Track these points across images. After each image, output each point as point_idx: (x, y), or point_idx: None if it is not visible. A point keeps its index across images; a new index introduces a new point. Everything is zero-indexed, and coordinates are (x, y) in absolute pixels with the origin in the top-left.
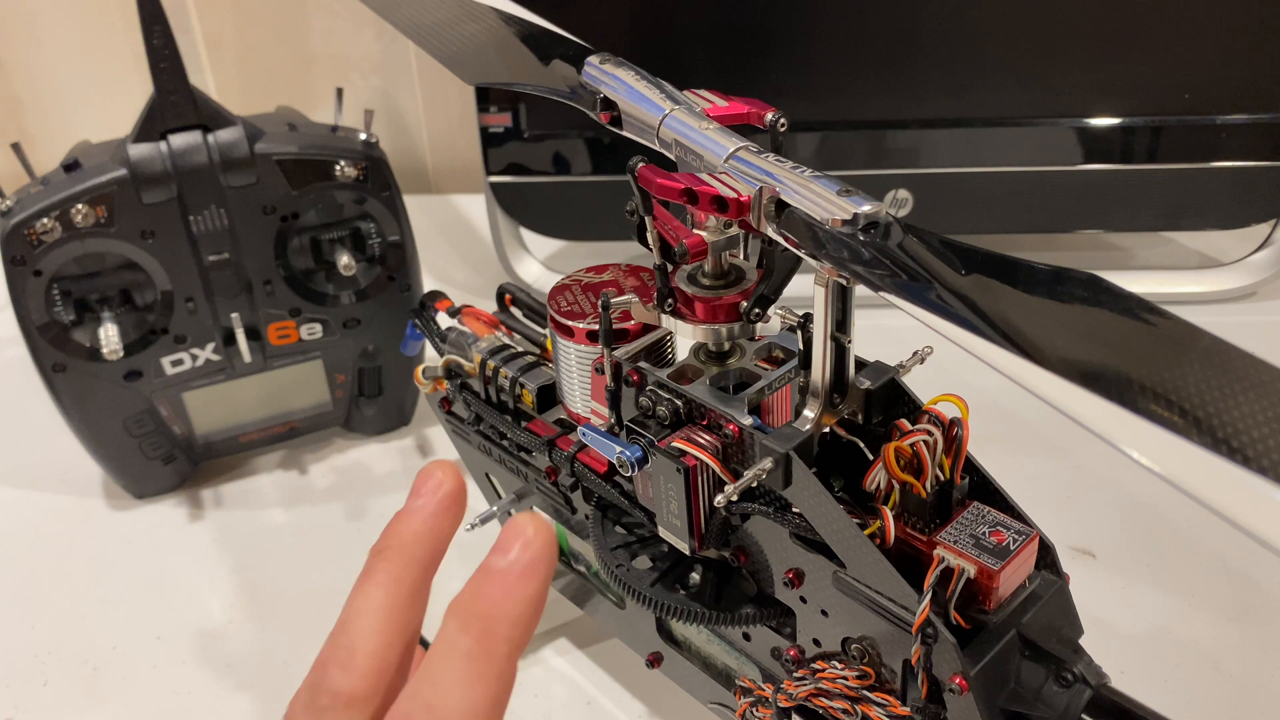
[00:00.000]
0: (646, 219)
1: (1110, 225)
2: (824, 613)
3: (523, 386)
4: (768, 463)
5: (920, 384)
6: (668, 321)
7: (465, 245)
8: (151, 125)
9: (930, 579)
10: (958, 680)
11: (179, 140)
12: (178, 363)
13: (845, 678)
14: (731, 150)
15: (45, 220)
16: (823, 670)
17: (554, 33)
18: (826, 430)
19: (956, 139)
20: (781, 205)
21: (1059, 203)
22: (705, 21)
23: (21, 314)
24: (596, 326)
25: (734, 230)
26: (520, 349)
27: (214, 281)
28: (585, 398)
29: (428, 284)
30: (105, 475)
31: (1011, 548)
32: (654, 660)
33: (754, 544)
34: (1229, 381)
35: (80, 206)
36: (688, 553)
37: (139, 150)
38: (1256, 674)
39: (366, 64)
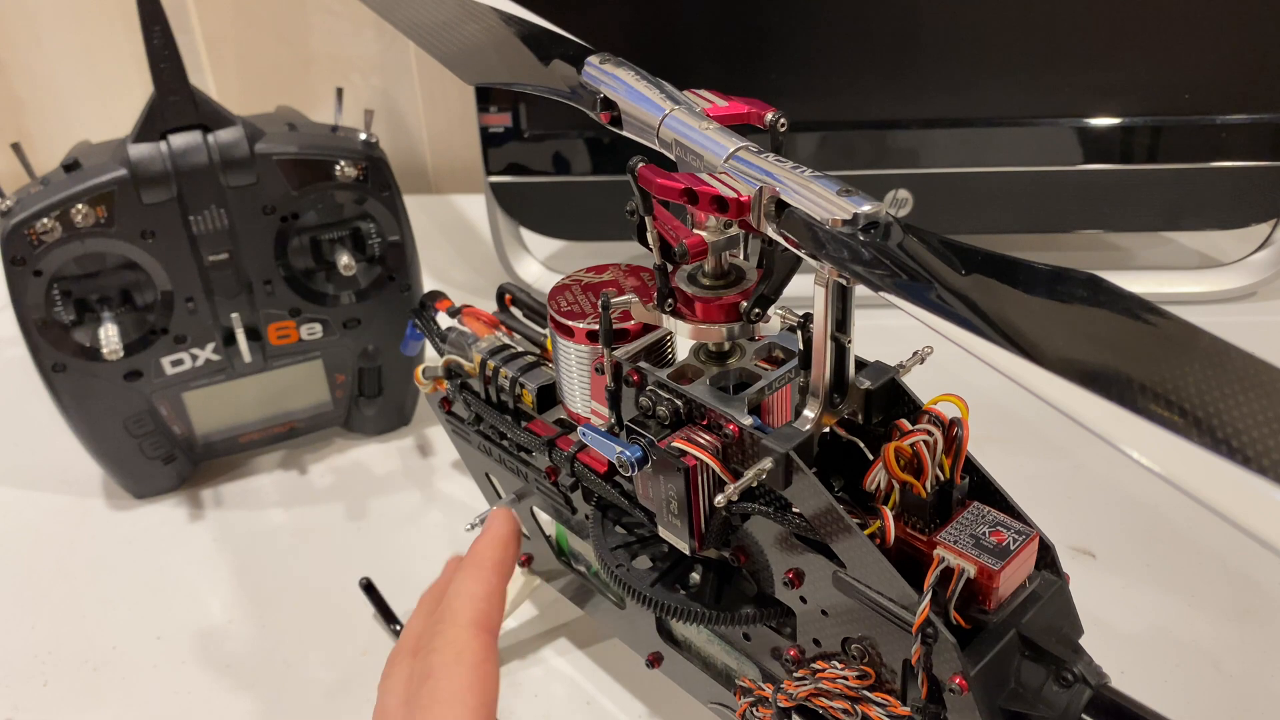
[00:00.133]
0: (646, 219)
1: (1110, 225)
2: (824, 613)
3: (523, 386)
4: (768, 463)
5: (920, 384)
6: (668, 321)
7: (465, 245)
8: (151, 125)
9: (930, 579)
10: (958, 680)
11: (179, 140)
12: (178, 363)
13: (845, 678)
14: (731, 150)
15: (45, 220)
16: (823, 670)
17: (554, 33)
18: (826, 430)
19: (956, 139)
20: (781, 205)
21: (1059, 203)
22: (705, 21)
23: (21, 314)
24: (596, 326)
25: (734, 230)
26: (520, 349)
27: (214, 281)
28: (585, 398)
29: (428, 284)
30: (105, 475)
31: (1011, 548)
32: (654, 660)
33: (754, 544)
34: (1229, 381)
35: (80, 206)
36: (688, 553)
37: (139, 150)
38: (1256, 674)
39: (366, 64)
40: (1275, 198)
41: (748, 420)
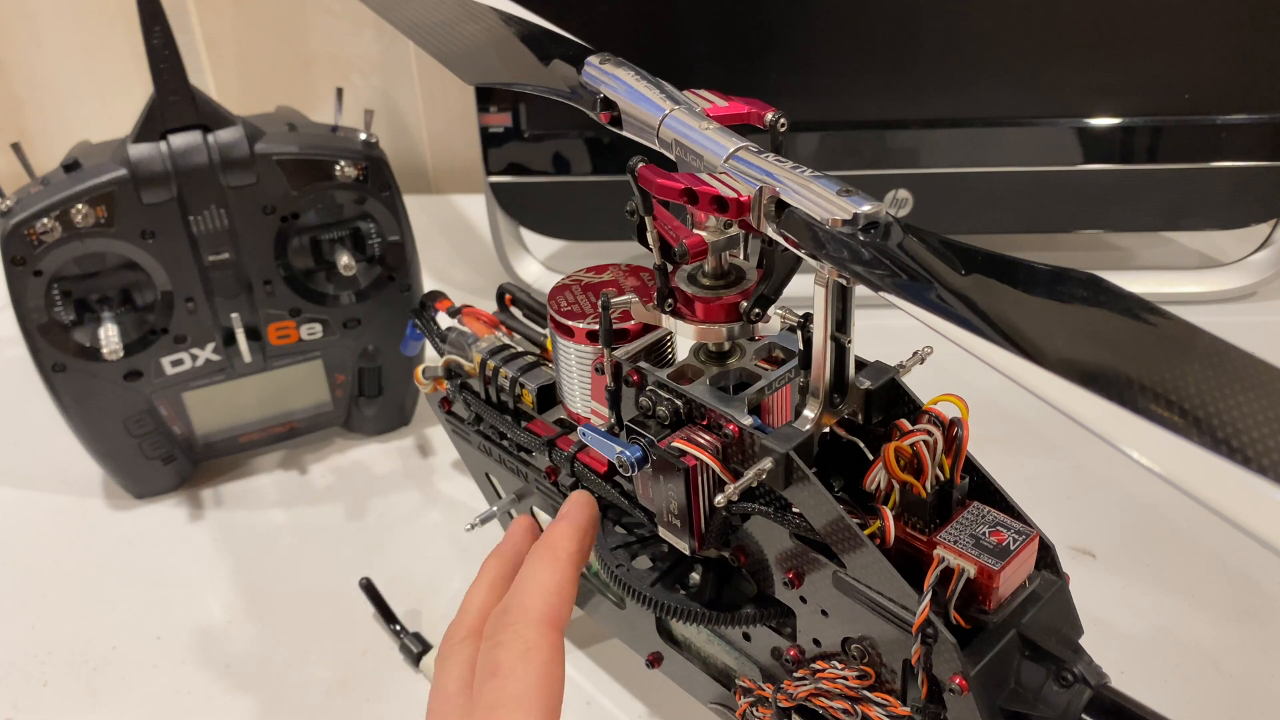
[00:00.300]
0: (646, 219)
1: (1110, 225)
2: (824, 613)
3: (523, 386)
4: (768, 463)
5: (920, 384)
6: (668, 321)
7: (465, 245)
8: (151, 125)
9: (930, 579)
10: (958, 680)
11: (179, 140)
12: (178, 363)
13: (845, 678)
14: (731, 150)
15: (45, 220)
16: (823, 670)
17: (554, 33)
18: (826, 430)
19: (956, 139)
20: (781, 205)
21: (1059, 203)
22: (705, 21)
23: (21, 314)
24: (596, 326)
25: (734, 230)
26: (520, 349)
27: (214, 281)
28: (585, 398)
29: (428, 284)
30: (105, 475)
31: (1011, 548)
32: (654, 660)
33: (754, 544)
34: (1229, 381)
35: (80, 206)
36: (688, 553)
37: (139, 150)
38: (1256, 674)
39: (366, 64)
40: (1275, 198)
41: (748, 420)
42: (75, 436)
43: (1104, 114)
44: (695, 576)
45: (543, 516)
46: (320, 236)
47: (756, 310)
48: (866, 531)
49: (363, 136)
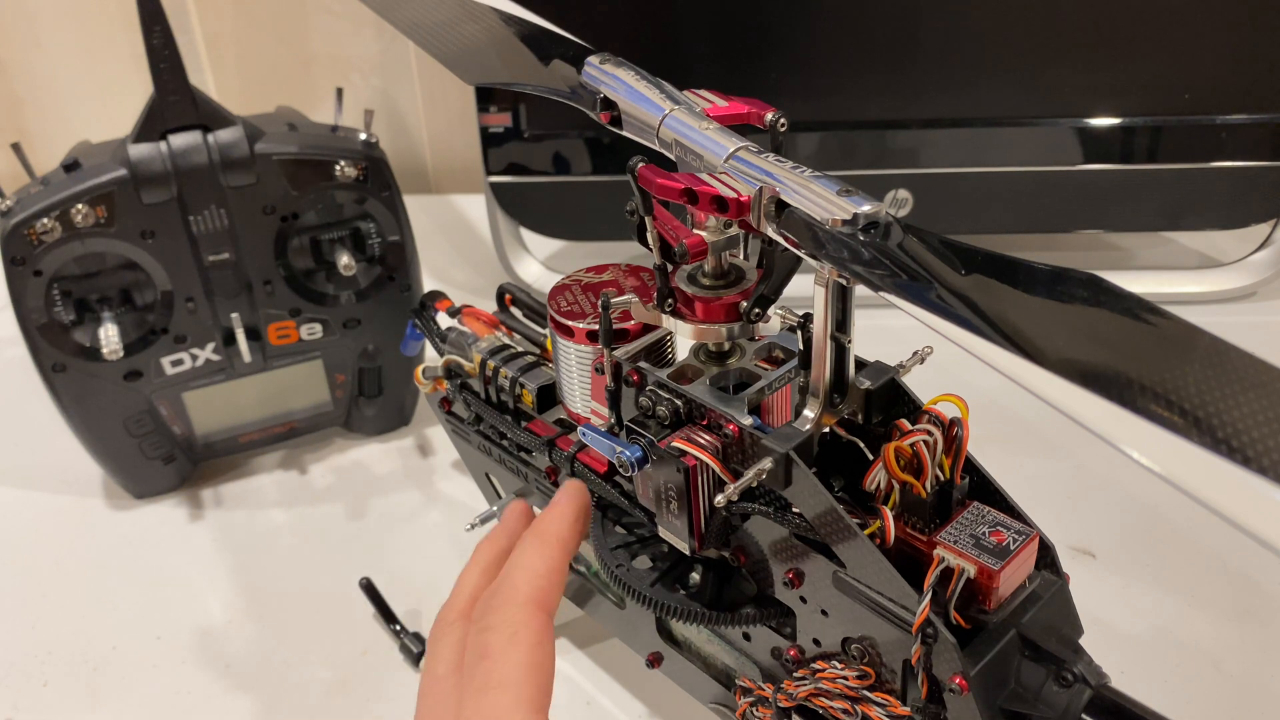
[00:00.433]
0: (646, 219)
1: (1110, 225)
2: (824, 613)
3: (523, 386)
4: (768, 463)
5: (920, 384)
6: (668, 321)
7: (465, 245)
8: (151, 125)
9: (930, 579)
10: (958, 680)
11: (179, 140)
12: (178, 363)
13: (845, 678)
14: (731, 150)
15: (45, 220)
16: (823, 670)
17: (554, 33)
18: (826, 430)
19: (956, 139)
20: (781, 205)
21: (1059, 203)
22: (706, 21)
23: (21, 314)
24: (596, 326)
25: (734, 230)
26: (520, 349)
27: (214, 281)
28: (585, 398)
29: (428, 284)
30: (105, 475)
31: (1011, 548)
32: (654, 660)
33: (754, 544)
34: (1229, 381)
35: (80, 206)
36: (688, 553)
37: (139, 150)
38: (1256, 674)
39: (366, 64)
40: (1275, 198)
41: (748, 420)
42: (75, 436)
43: (1104, 114)
44: (695, 576)
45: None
46: (320, 236)
47: (756, 310)
48: (866, 531)
49: (363, 136)
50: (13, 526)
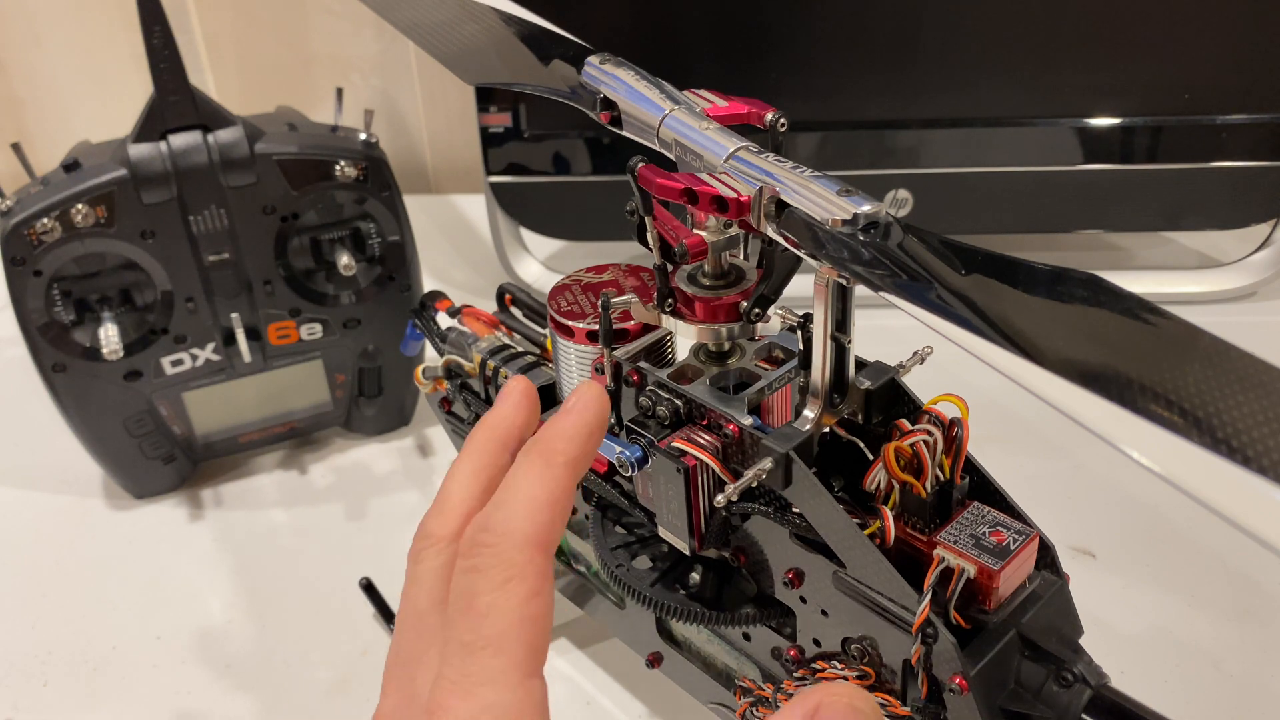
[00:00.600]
0: (646, 219)
1: (1110, 225)
2: (824, 613)
3: None
4: (768, 463)
5: (920, 384)
6: (668, 321)
7: (465, 245)
8: (151, 125)
9: (930, 579)
10: (958, 680)
11: (179, 140)
12: (178, 363)
13: (845, 678)
14: (731, 150)
15: (45, 220)
16: (823, 670)
17: (554, 33)
18: (826, 430)
19: (956, 139)
20: (781, 205)
21: (1059, 203)
22: (705, 21)
23: (21, 314)
24: (596, 326)
25: (734, 230)
26: (520, 349)
27: (214, 281)
28: None
29: (428, 284)
30: (105, 475)
31: (1011, 548)
32: (654, 660)
33: (754, 544)
34: (1229, 381)
35: (80, 206)
36: (688, 553)
37: (139, 150)
38: (1256, 674)
39: (366, 64)
40: (1275, 198)
41: (748, 420)
42: (75, 436)
43: (1104, 114)
44: (695, 576)
45: None
46: (320, 236)
47: (756, 310)
48: (866, 531)
49: (363, 136)
50: (13, 526)
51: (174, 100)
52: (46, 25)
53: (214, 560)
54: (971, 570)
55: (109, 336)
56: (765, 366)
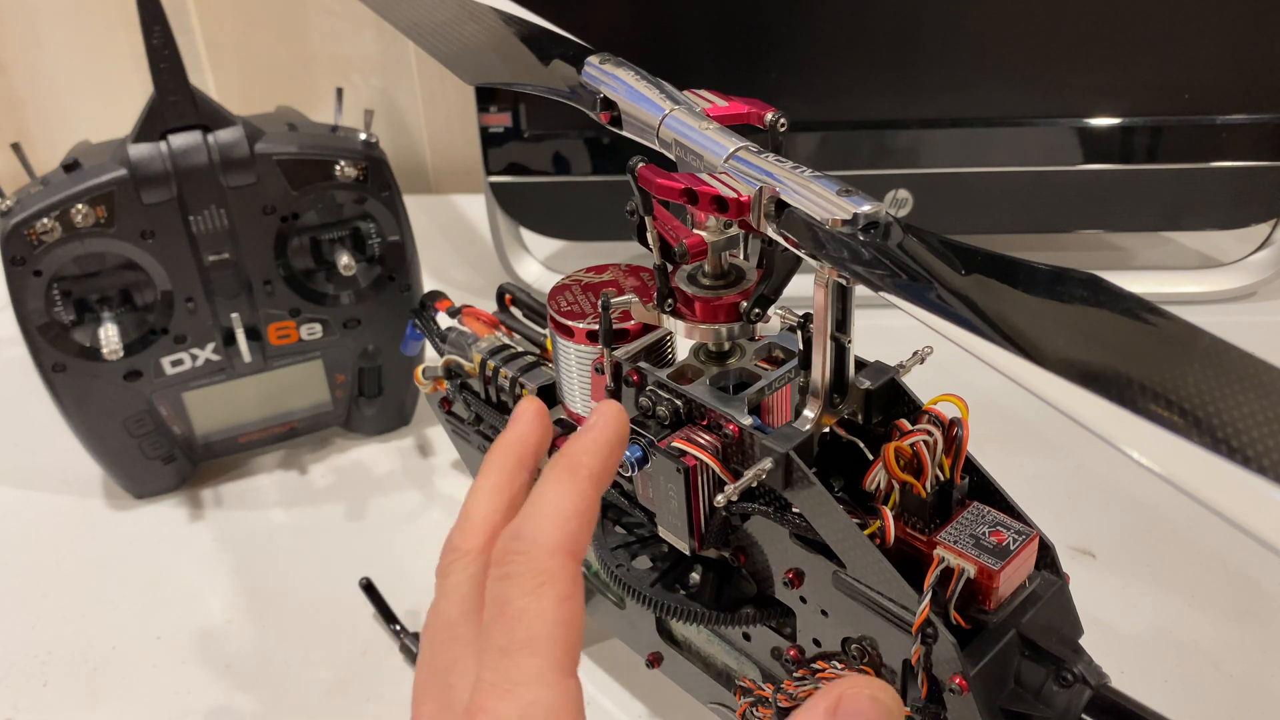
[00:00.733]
0: (646, 219)
1: (1110, 225)
2: (824, 613)
3: (523, 386)
4: (768, 463)
5: (920, 384)
6: (668, 321)
7: (465, 245)
8: (151, 125)
9: (930, 579)
10: (958, 680)
11: (179, 140)
12: (178, 363)
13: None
14: (731, 150)
15: (45, 220)
16: (823, 670)
17: (554, 33)
18: (826, 430)
19: (956, 139)
20: (781, 205)
21: (1059, 203)
22: (705, 21)
23: (21, 314)
24: (596, 326)
25: (734, 230)
26: (520, 349)
27: (214, 281)
28: (585, 398)
29: (428, 284)
30: (105, 475)
31: (1011, 548)
32: (654, 660)
33: (754, 544)
34: (1229, 381)
35: (80, 206)
36: (688, 553)
37: (139, 150)
38: (1256, 674)
39: (366, 64)
40: (1275, 198)
41: (748, 420)
42: (75, 436)
43: (1104, 114)
44: (695, 576)
45: None
46: (320, 236)
47: (756, 310)
48: (866, 531)
49: (363, 136)
50: (13, 526)
51: (174, 100)
52: (46, 25)
53: (214, 560)
54: (971, 570)
55: (109, 336)
56: (765, 366)
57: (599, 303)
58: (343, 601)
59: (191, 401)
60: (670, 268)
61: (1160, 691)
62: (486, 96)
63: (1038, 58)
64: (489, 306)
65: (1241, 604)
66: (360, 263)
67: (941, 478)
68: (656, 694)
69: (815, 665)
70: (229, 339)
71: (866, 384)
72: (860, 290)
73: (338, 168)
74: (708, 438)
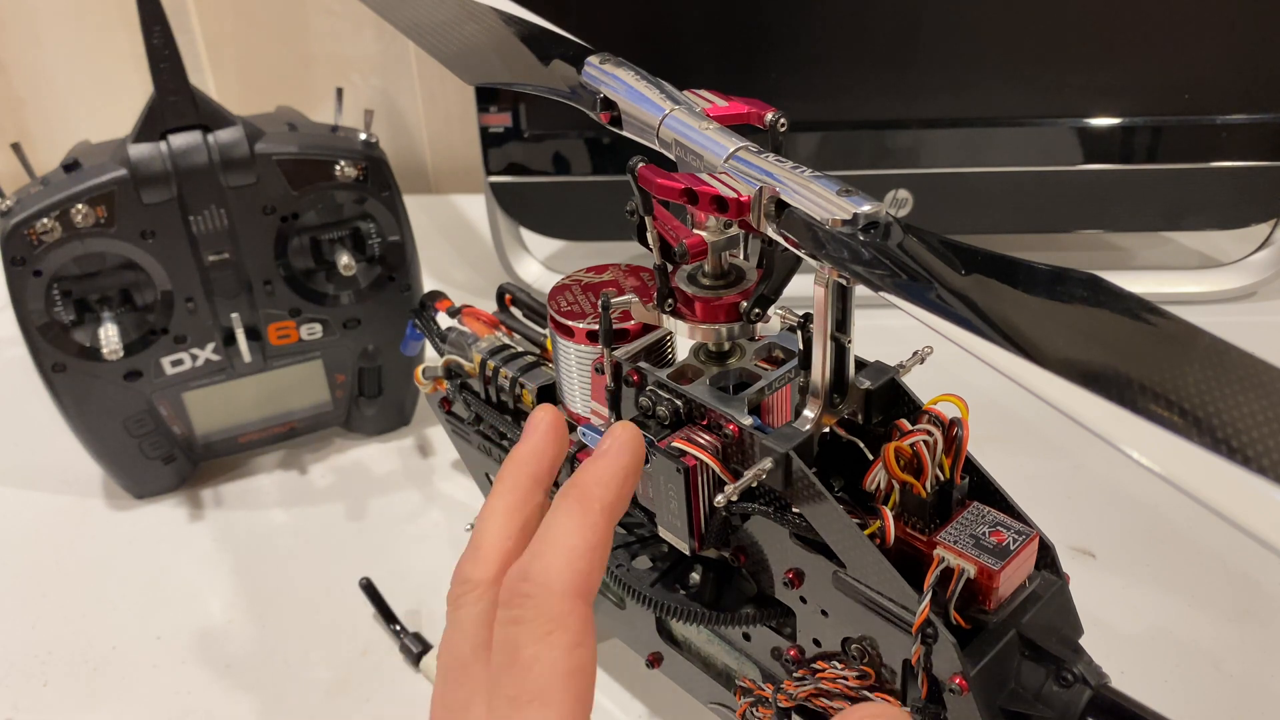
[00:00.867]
0: (646, 219)
1: (1110, 225)
2: (824, 613)
3: (523, 386)
4: (768, 463)
5: (920, 384)
6: (668, 321)
7: (465, 245)
8: (151, 125)
9: (930, 579)
10: (958, 680)
11: (179, 140)
12: (178, 363)
13: (845, 678)
14: (731, 150)
15: (45, 220)
16: (823, 670)
17: (554, 33)
18: (826, 430)
19: (956, 139)
20: (781, 205)
21: (1059, 203)
22: (706, 21)
23: (21, 314)
24: (596, 326)
25: (734, 230)
26: (520, 349)
27: (214, 281)
28: (585, 398)
29: (428, 284)
30: (105, 475)
31: (1011, 548)
32: (654, 660)
33: (754, 544)
34: (1229, 381)
35: (80, 206)
36: (688, 553)
37: (139, 150)
38: (1256, 674)
39: (366, 64)
40: (1275, 198)
41: (748, 420)
42: (75, 436)
43: (1104, 114)
44: (695, 576)
45: None
46: (320, 236)
47: (756, 310)
48: (866, 532)
49: (363, 136)
50: (13, 526)
51: (174, 100)
52: (46, 25)
53: (214, 560)
54: (971, 570)
55: (109, 336)
56: (765, 366)
57: (599, 303)
58: (343, 601)
59: (191, 401)
60: (670, 268)
61: (1160, 691)
62: (486, 96)
63: (1038, 58)
64: (489, 306)
65: (1241, 604)
66: (360, 263)
67: (941, 478)
68: (656, 694)
69: (815, 665)
70: (229, 339)
71: (866, 384)
72: (860, 290)
73: (338, 168)
74: (708, 438)
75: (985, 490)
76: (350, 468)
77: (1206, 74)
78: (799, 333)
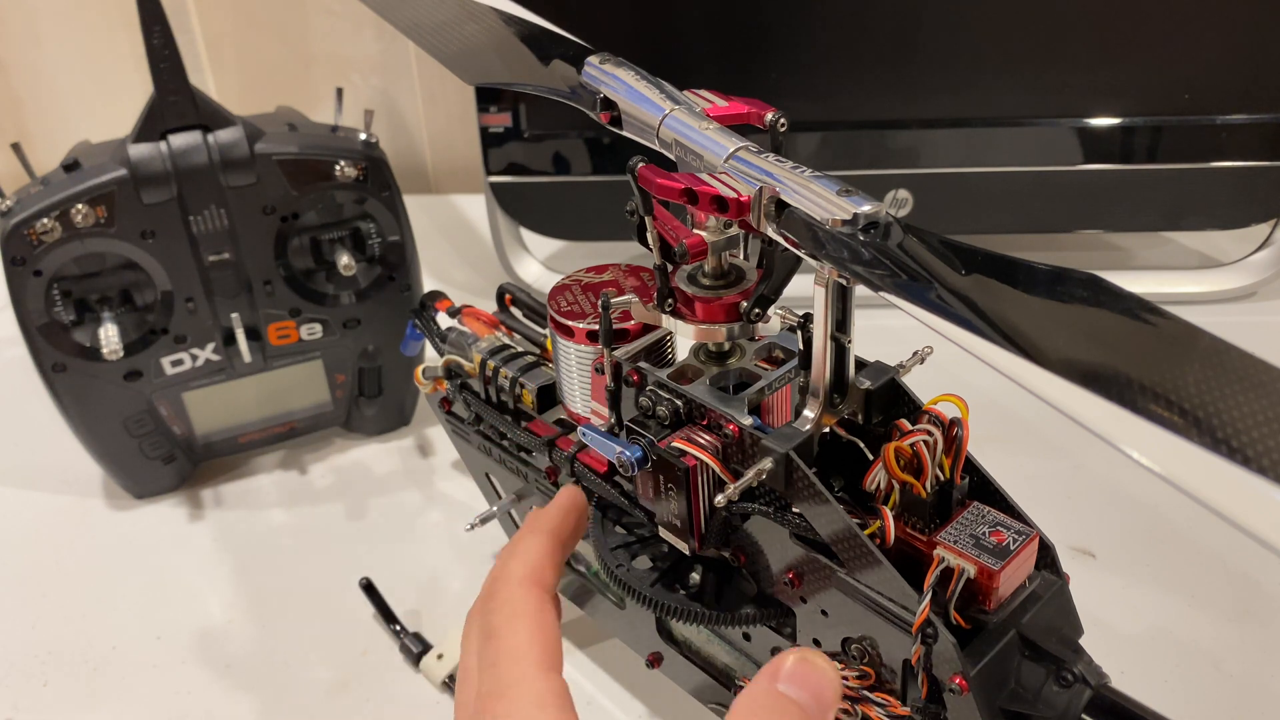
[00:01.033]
0: (646, 219)
1: (1110, 225)
2: (824, 613)
3: (523, 386)
4: (768, 463)
5: (920, 384)
6: (668, 321)
7: (465, 245)
8: (151, 125)
9: (930, 579)
10: (958, 680)
11: (179, 140)
12: (178, 363)
13: (845, 678)
14: (731, 150)
15: (45, 220)
16: None
17: (554, 33)
18: (826, 430)
19: (956, 139)
20: (781, 205)
21: (1059, 203)
22: (706, 21)
23: (21, 314)
24: (596, 326)
25: (734, 230)
26: (520, 349)
27: (214, 281)
28: (585, 398)
29: (428, 284)
30: (105, 475)
31: (1011, 548)
32: (654, 660)
33: (754, 544)
34: (1229, 381)
35: (80, 206)
36: (688, 553)
37: (139, 150)
38: (1256, 674)
39: (366, 64)
40: (1275, 198)
41: (748, 420)
42: (75, 436)
43: (1104, 114)
44: (695, 576)
45: None
46: (320, 236)
47: (756, 310)
48: (866, 532)
49: (363, 136)
50: (13, 526)
51: (174, 100)
52: (46, 25)
53: (214, 560)
54: (971, 570)
55: (109, 336)
56: (765, 366)
57: (599, 303)
58: (343, 601)
59: (191, 401)
60: (670, 268)
61: (1160, 691)
62: (486, 96)
63: (1038, 58)
64: (489, 306)
65: (1241, 604)
66: (360, 263)
67: (941, 478)
68: (656, 694)
69: None
70: (229, 339)
71: (866, 384)
72: (860, 290)
73: (338, 168)
74: (708, 438)
75: (985, 490)
76: (350, 468)
77: (1206, 74)
78: (799, 333)
